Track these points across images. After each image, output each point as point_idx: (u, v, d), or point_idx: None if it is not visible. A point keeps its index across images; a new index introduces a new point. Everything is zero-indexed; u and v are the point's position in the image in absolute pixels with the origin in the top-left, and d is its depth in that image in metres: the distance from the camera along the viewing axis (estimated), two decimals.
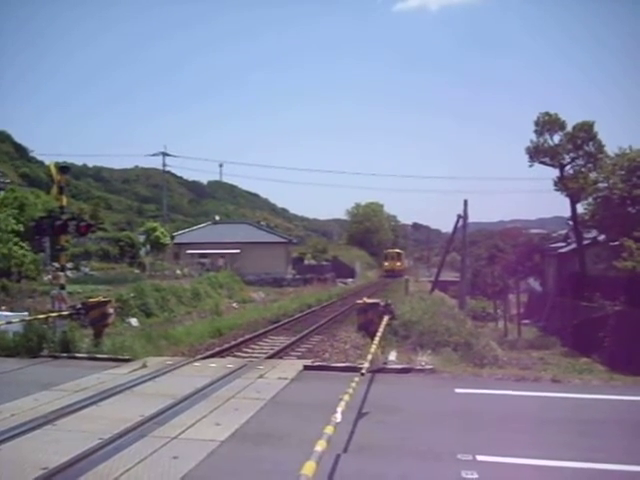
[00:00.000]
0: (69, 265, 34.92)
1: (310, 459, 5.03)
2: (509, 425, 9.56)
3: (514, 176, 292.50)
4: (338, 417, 6.62)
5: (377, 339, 12.89)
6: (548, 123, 43.15)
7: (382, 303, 15.99)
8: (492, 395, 11.82)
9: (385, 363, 14.51)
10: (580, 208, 42.51)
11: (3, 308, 24.19)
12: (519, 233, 69.39)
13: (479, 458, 7.86)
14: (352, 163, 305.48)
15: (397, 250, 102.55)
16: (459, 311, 36.92)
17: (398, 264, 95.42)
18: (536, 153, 43.51)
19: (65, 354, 16.57)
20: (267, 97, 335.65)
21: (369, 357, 11.10)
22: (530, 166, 44.22)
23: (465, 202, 46.11)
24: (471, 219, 48.87)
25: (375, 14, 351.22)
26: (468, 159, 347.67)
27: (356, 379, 8.73)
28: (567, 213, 45.96)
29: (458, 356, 17.92)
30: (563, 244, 52.87)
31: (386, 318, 15.09)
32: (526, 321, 48.10)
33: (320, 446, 5.43)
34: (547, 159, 43.36)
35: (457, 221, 46.60)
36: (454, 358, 17.20)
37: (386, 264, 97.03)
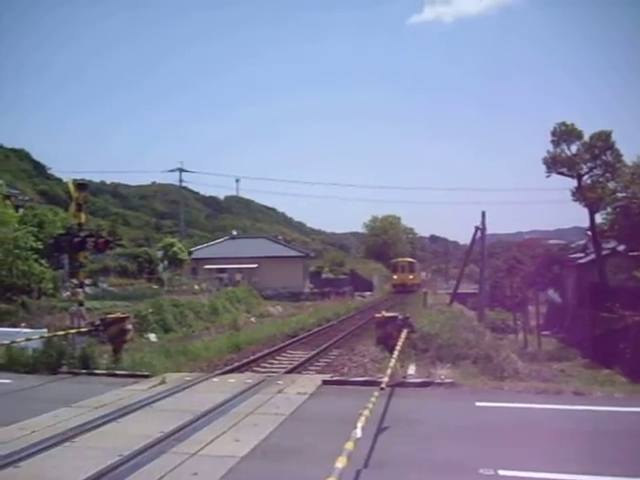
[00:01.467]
0: (88, 281, 35.04)
1: (331, 476, 4.99)
2: (531, 439, 9.44)
3: (532, 187, 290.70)
4: (358, 433, 6.59)
5: (396, 353, 12.83)
6: (565, 133, 42.99)
7: (400, 316, 15.94)
8: (513, 408, 11.74)
9: (404, 377, 14.44)
10: (599, 218, 42.31)
11: (23, 325, 24.33)
12: (537, 244, 68.74)
13: (501, 473, 7.77)
14: (368, 176, 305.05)
15: (409, 259, 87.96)
16: (478, 323, 36.77)
17: (410, 277, 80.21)
18: (553, 163, 43.29)
19: (84, 370, 16.65)
20: (281, 112, 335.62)
21: (388, 371, 11.05)
22: (547, 177, 44.04)
23: (483, 214, 46.02)
24: (489, 231, 48.69)
25: (389, 27, 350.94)
26: (485, 170, 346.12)
27: (375, 393, 8.71)
28: (586, 223, 45.69)
29: (478, 369, 17.78)
30: (582, 255, 52.53)
31: (405, 332, 15.03)
32: (546, 332, 47.78)
33: (340, 462, 5.39)
34: (564, 169, 43.12)
35: (475, 233, 46.47)
36: (474, 371, 17.06)
37: (395, 277, 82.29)
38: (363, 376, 15.41)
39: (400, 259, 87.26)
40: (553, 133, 43.30)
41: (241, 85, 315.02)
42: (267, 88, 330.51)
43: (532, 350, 39.62)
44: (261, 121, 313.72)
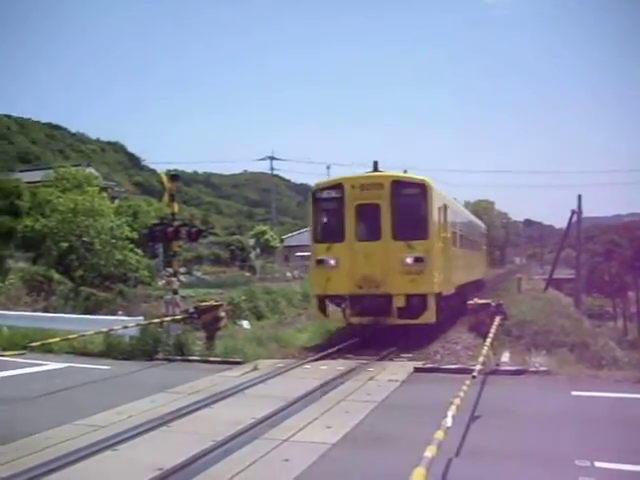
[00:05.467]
0: (182, 270, 35.87)
1: (420, 465, 4.93)
2: (629, 430, 9.11)
3: (629, 167, 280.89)
4: (449, 422, 6.50)
5: (489, 340, 12.61)
6: None
7: (493, 303, 15.66)
8: (611, 398, 11.34)
9: (498, 365, 14.19)
10: None
11: (120, 313, 25.08)
12: (637, 227, 66.57)
13: (597, 464, 7.52)
14: (460, 161, 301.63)
15: (393, 174, 20.16)
16: (575, 310, 35.78)
17: (417, 252, 18.57)
18: None
19: (179, 357, 17.09)
20: (370, 102, 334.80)
21: (480, 359, 10.86)
22: None
23: (579, 197, 44.70)
24: (586, 214, 47.28)
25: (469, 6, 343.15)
26: (579, 152, 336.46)
27: (467, 382, 8.57)
28: None
29: (574, 357, 17.28)
30: None
31: (498, 319, 14.76)
32: None
33: (430, 452, 5.32)
34: None
35: (571, 216, 45.19)
36: (570, 359, 16.57)
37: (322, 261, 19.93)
38: (455, 363, 15.21)
39: (350, 176, 20.53)
40: None
41: (322, 76, 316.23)
42: (356, 77, 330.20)
43: (632, 338, 38.38)
44: (353, 109, 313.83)
